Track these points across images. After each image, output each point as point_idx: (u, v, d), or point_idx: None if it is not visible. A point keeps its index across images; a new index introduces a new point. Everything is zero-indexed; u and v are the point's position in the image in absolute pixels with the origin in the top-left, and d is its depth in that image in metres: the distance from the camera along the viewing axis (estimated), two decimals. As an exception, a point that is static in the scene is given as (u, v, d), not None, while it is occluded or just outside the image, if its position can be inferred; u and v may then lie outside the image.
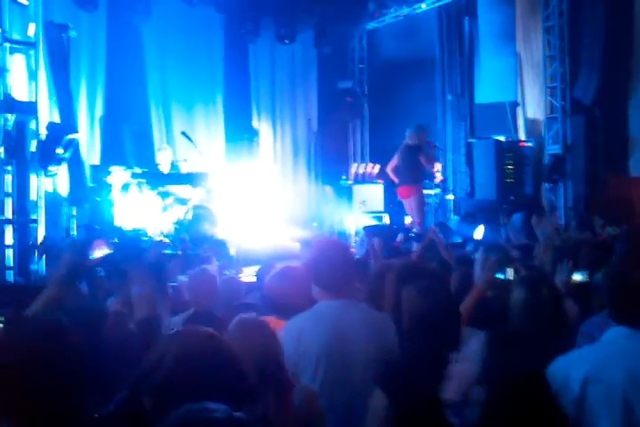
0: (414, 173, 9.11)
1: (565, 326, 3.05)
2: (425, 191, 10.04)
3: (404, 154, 9.10)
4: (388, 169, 9.48)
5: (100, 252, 3.47)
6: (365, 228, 9.24)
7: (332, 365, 2.57)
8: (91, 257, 3.36)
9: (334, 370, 2.57)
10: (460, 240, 8.36)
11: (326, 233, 9.81)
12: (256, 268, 5.70)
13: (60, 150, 6.95)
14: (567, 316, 3.17)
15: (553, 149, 10.62)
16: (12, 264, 6.73)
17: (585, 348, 2.34)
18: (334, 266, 2.77)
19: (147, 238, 8.58)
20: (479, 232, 8.94)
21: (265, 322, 2.43)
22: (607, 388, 2.11)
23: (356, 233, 10.40)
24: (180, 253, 5.91)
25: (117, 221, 8.37)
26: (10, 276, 6.58)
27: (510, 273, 3.84)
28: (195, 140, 9.74)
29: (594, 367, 2.16)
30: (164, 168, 9.49)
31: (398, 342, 2.57)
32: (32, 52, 7.44)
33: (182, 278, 4.72)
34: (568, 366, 2.14)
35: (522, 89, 11.51)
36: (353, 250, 7.13)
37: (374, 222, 10.52)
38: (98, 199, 8.28)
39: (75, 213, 8.03)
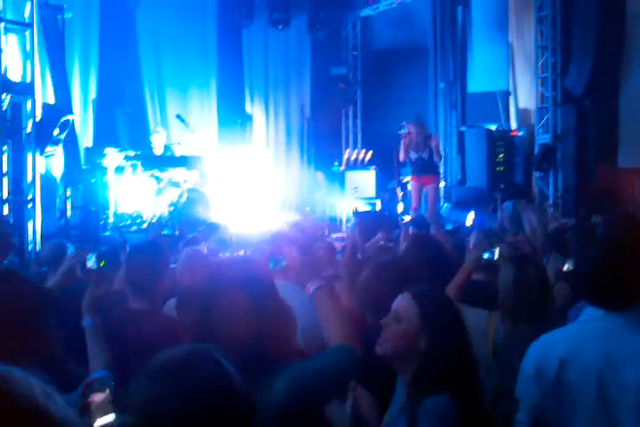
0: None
1: (552, 305, 3.12)
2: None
3: None
4: None
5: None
6: (356, 213, 9.32)
7: None
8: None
9: None
10: (451, 227, 8.46)
11: (313, 217, 9.86)
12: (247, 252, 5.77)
13: (56, 131, 6.96)
14: (552, 295, 3.23)
15: (543, 138, 10.73)
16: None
17: (561, 329, 2.33)
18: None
19: (139, 221, 8.64)
20: (470, 219, 9.03)
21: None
22: (582, 369, 2.12)
23: (348, 219, 10.48)
24: (177, 233, 5.95)
25: (112, 203, 8.41)
26: (5, 255, 6.60)
27: (497, 253, 3.89)
28: (189, 123, 9.77)
29: (569, 349, 2.16)
30: (158, 151, 9.53)
31: None
32: (27, 33, 7.40)
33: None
34: (546, 346, 2.15)
35: (513, 78, 11.60)
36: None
37: (366, 208, 10.60)
38: (92, 181, 8.31)
39: (69, 194, 8.05)
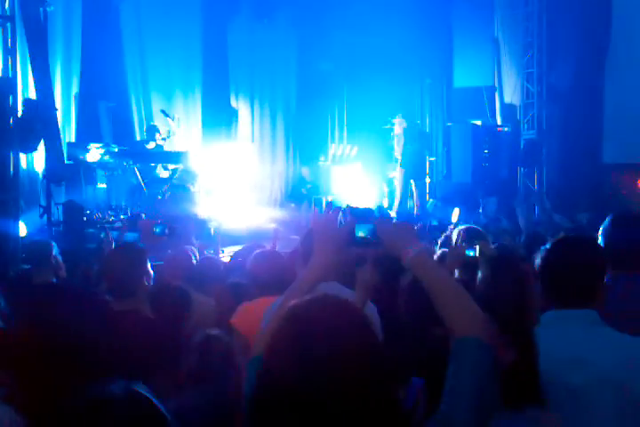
0: None
1: (530, 308, 3.09)
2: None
3: None
4: None
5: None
6: (348, 208, 9.32)
7: None
8: None
9: None
10: (436, 223, 8.47)
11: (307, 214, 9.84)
12: (234, 248, 5.75)
13: (38, 127, 6.85)
14: (533, 298, 3.19)
15: (529, 134, 10.77)
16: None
17: None
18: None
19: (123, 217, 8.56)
20: (455, 215, 9.06)
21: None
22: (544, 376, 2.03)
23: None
24: (167, 231, 5.90)
25: (96, 200, 8.34)
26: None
27: (478, 250, 3.88)
28: (174, 116, 9.69)
29: None
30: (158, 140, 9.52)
31: None
32: (8, 26, 7.28)
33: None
34: None
35: (499, 74, 11.62)
36: None
37: (358, 204, 10.62)
38: (76, 177, 8.21)
39: (51, 190, 7.95)
